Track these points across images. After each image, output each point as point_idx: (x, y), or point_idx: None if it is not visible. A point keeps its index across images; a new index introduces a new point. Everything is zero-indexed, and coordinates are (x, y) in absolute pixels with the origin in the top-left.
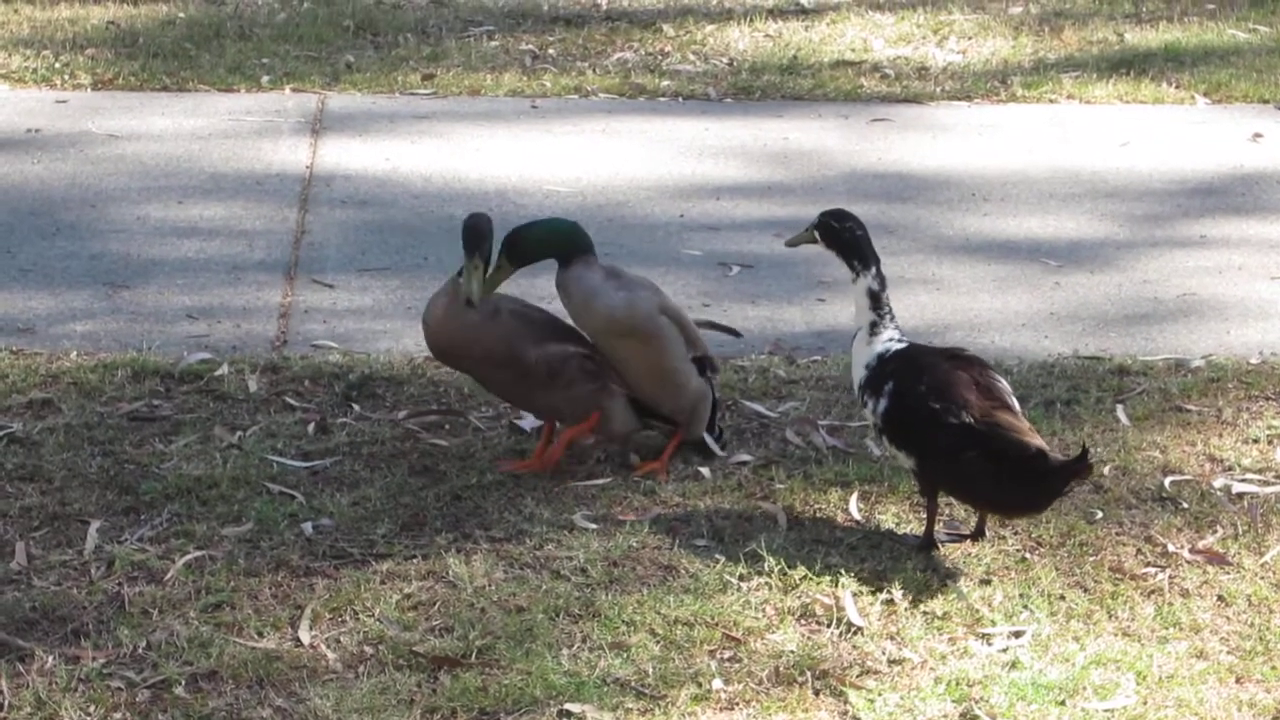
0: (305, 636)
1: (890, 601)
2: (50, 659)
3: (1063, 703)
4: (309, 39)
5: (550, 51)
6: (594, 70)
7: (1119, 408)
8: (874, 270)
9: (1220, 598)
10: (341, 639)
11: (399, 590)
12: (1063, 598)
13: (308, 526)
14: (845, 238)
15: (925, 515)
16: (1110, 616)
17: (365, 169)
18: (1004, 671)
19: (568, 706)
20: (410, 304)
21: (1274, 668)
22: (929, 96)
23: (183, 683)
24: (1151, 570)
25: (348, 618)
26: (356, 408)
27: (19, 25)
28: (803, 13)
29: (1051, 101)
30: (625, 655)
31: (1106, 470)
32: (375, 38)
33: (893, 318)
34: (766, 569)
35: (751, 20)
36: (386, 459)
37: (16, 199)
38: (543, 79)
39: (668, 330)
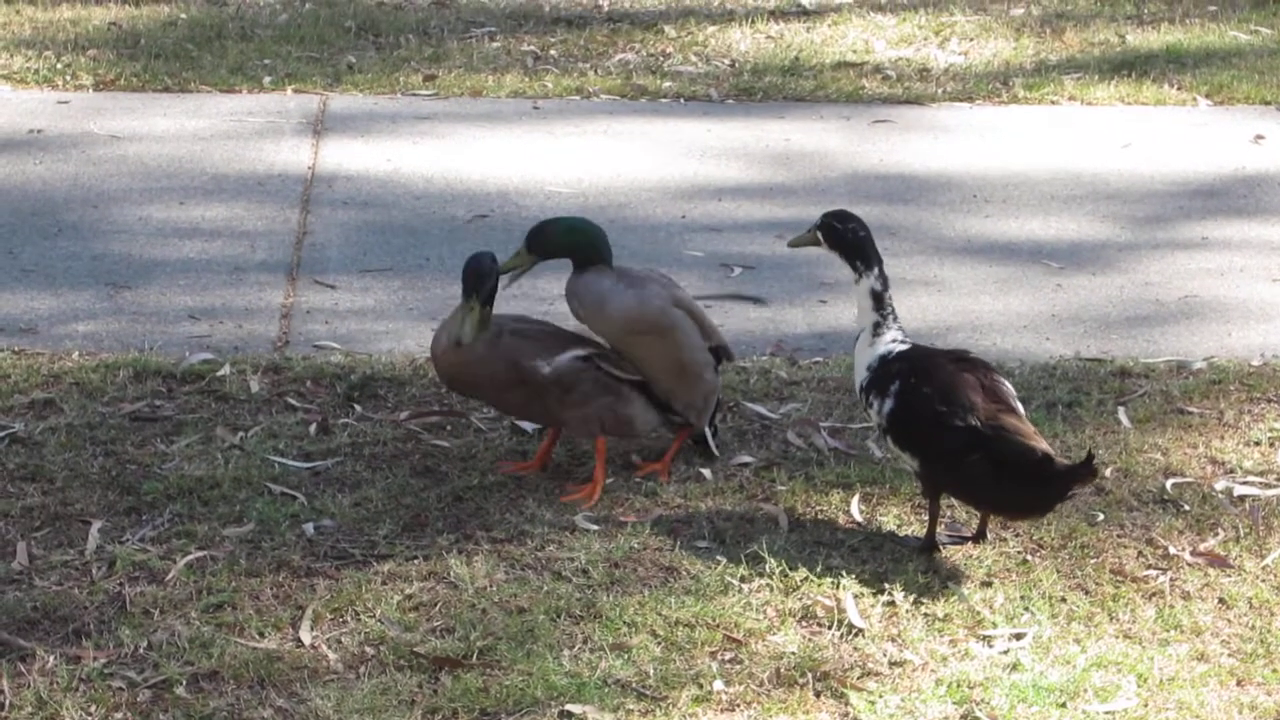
0: (306, 637)
1: (891, 603)
2: (51, 659)
3: (1064, 705)
4: (311, 40)
5: (552, 52)
6: (596, 71)
7: (1120, 410)
8: (877, 271)
9: (1221, 600)
10: (343, 639)
11: (400, 591)
12: (1064, 600)
13: (309, 527)
14: (848, 239)
15: (927, 517)
16: (1111, 619)
17: (367, 170)
18: (1005, 673)
19: (569, 707)
20: (412, 305)
21: (1275, 670)
22: (930, 98)
23: (184, 683)
24: (1153, 573)
25: (349, 618)
26: (358, 408)
27: (21, 26)
28: (804, 14)
29: (1053, 103)
30: (626, 656)
31: (1108, 472)
32: (377, 39)
33: (896, 319)
34: (768, 570)
35: (753, 21)
36: (388, 460)
37: (19, 199)
38: (544, 80)
39: (682, 322)
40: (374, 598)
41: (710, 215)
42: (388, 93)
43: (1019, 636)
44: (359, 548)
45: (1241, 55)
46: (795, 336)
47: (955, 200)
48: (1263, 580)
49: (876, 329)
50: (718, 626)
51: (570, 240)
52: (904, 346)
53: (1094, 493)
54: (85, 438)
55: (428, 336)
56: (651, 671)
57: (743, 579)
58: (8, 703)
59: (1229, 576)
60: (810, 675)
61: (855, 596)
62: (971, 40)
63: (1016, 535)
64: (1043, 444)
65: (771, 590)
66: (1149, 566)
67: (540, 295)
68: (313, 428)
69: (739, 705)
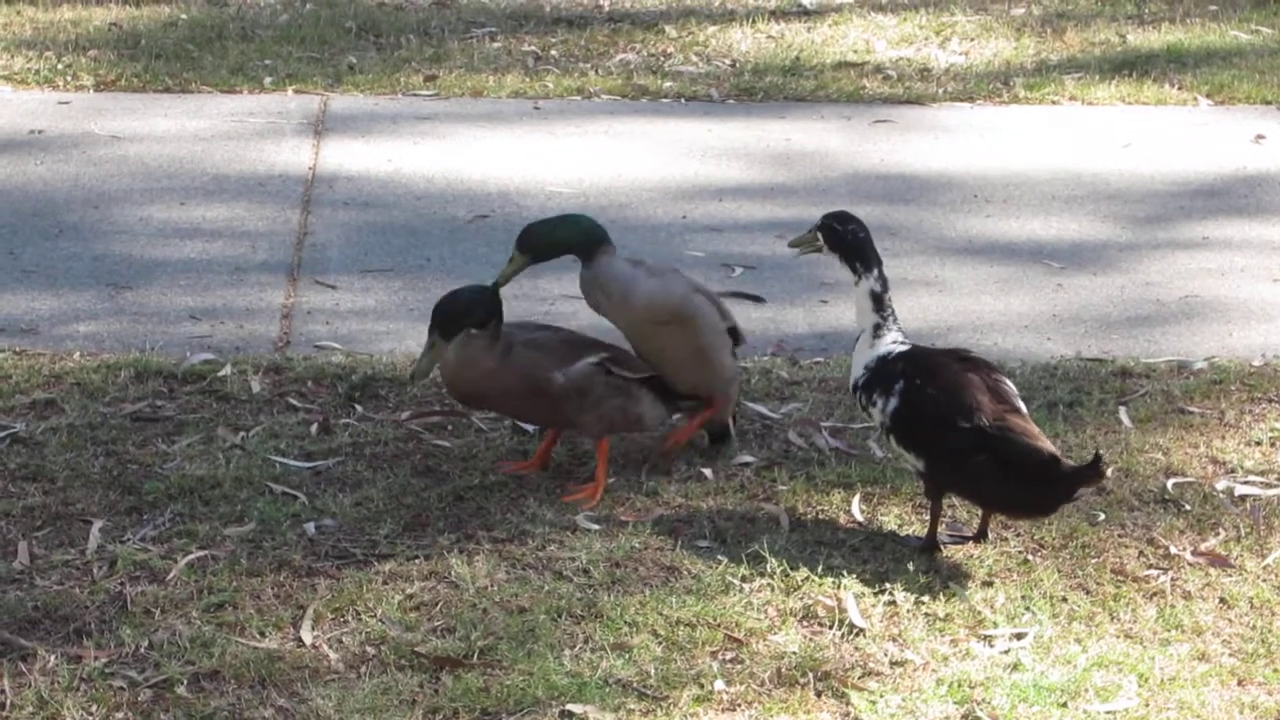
0: (307, 637)
1: (892, 603)
2: (52, 658)
3: (1064, 705)
4: (311, 40)
5: (553, 53)
6: (596, 71)
7: (1121, 410)
8: (876, 272)
9: (1222, 600)
10: (344, 639)
11: (401, 591)
12: (1065, 600)
13: (310, 527)
14: (848, 240)
15: (928, 517)
16: (1112, 618)
17: (368, 170)
18: (1006, 673)
19: (570, 707)
20: (413, 305)
21: (1276, 670)
22: (931, 98)
23: (185, 682)
24: (1154, 572)
25: (350, 618)
26: (359, 408)
27: (21, 27)
28: (805, 14)
29: (1054, 103)
30: (627, 656)
31: (1109, 472)
32: (378, 39)
33: (895, 320)
34: (769, 570)
35: (754, 21)
36: (389, 460)
37: (19, 200)
38: (545, 80)
39: (704, 307)
40: (375, 597)
41: (711, 215)
42: (388, 93)
43: (1020, 636)
44: (360, 547)
45: (1242, 55)
46: (796, 336)
47: (956, 200)
48: (1264, 580)
49: (877, 330)
50: (719, 626)
51: (566, 239)
52: (904, 347)
53: (1095, 492)
54: (86, 438)
55: None
56: (652, 671)
57: (744, 579)
58: (9, 702)
59: (1230, 576)
60: (811, 675)
61: (856, 596)
62: (972, 40)
63: (1018, 535)
64: (1049, 445)
65: (773, 590)
66: (1150, 566)
67: (541, 295)
68: (314, 428)
69: (740, 705)
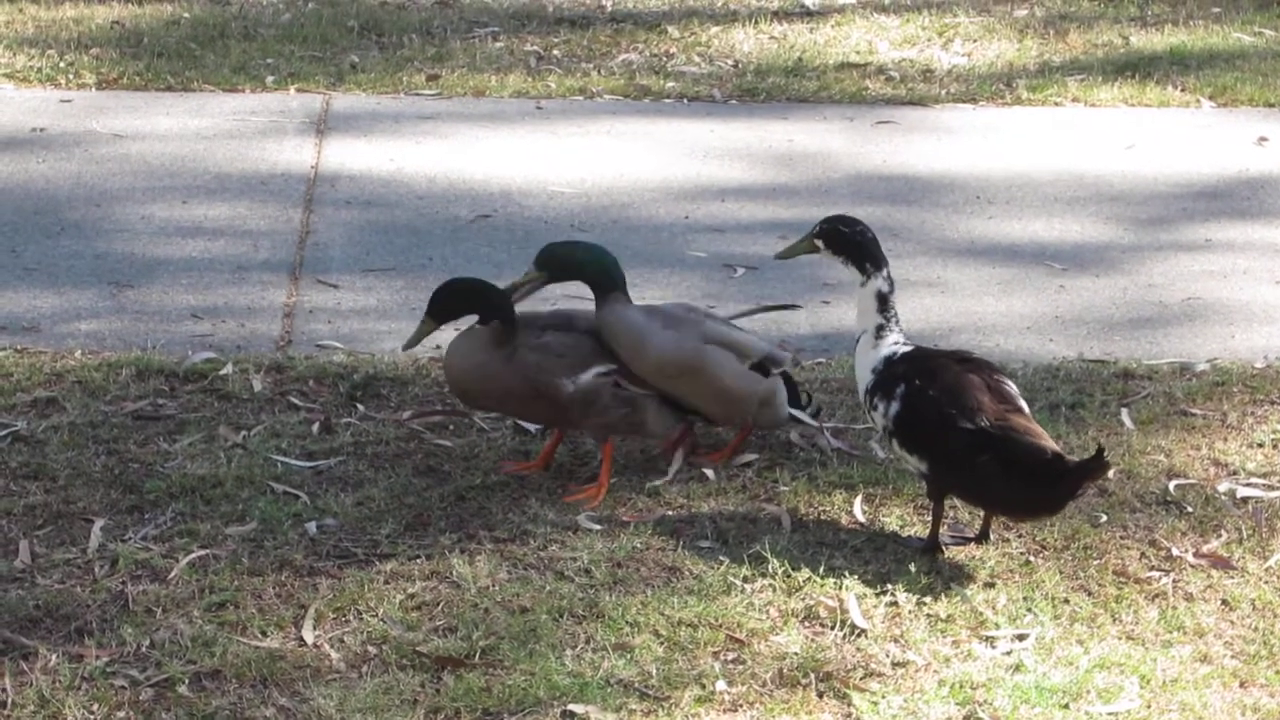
0: (309, 636)
1: (894, 604)
2: (54, 657)
3: (1066, 706)
4: (314, 39)
5: (555, 53)
6: (599, 72)
7: (1124, 411)
8: (885, 273)
9: (1224, 602)
10: (345, 639)
11: (403, 590)
12: (1067, 601)
13: (312, 526)
14: (855, 241)
15: (929, 518)
16: (1114, 620)
17: (370, 169)
18: (1007, 674)
19: (571, 707)
20: (415, 304)
21: (1278, 672)
22: (934, 99)
23: (186, 682)
24: (1155, 574)
25: (351, 617)
26: (361, 408)
27: (24, 25)
28: (808, 15)
29: (1056, 104)
30: (629, 656)
31: (1111, 474)
32: (380, 38)
33: (898, 321)
34: (770, 571)
35: (756, 22)
36: (390, 459)
37: (21, 198)
38: (547, 80)
39: (715, 355)
40: (376, 597)
41: (713, 216)
42: (391, 92)
43: (1022, 637)
44: (361, 547)
45: (1245, 57)
46: (798, 337)
47: (958, 201)
48: (1266, 582)
49: (880, 331)
50: (720, 627)
51: (587, 268)
52: (907, 348)
53: (1097, 494)
54: (88, 436)
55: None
56: (654, 671)
57: (745, 579)
58: (10, 701)
59: (1232, 578)
60: (813, 676)
61: (858, 597)
62: (975, 41)
63: (1019, 536)
64: (1052, 443)
65: (774, 590)
66: (1152, 568)
67: (542, 295)
68: (315, 427)
69: (741, 705)
